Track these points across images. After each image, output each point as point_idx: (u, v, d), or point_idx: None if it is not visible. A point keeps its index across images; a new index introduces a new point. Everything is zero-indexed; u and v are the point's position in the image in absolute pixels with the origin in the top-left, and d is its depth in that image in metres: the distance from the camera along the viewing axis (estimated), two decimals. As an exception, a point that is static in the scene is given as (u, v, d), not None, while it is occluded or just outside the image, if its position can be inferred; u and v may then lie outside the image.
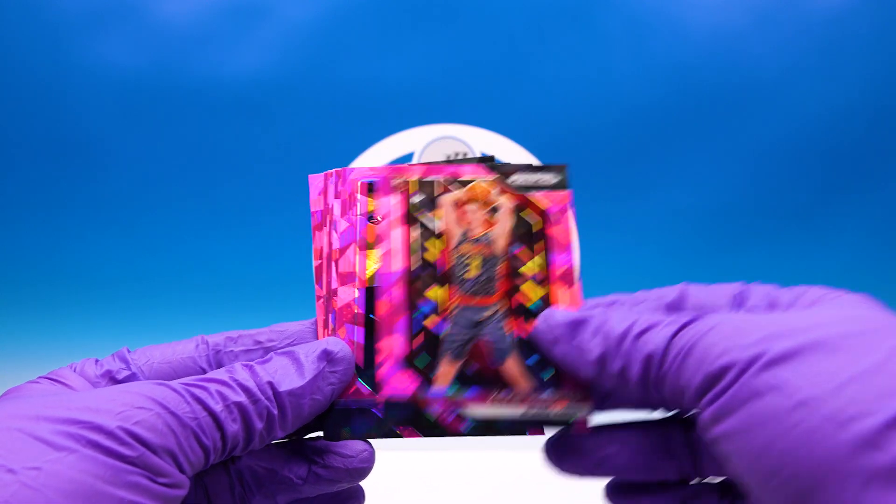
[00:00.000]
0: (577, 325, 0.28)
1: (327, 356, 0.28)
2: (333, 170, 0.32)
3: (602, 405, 0.31)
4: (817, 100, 0.89)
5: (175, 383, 0.25)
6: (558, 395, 0.30)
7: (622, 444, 0.30)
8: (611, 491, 0.32)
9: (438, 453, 0.71)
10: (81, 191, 0.90)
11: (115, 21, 0.88)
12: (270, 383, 0.26)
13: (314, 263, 0.32)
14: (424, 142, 0.88)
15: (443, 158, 0.88)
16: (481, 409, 0.30)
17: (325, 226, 0.32)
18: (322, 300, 0.31)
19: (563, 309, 0.30)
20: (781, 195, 0.90)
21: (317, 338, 0.31)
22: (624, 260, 0.90)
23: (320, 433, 0.30)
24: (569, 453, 0.30)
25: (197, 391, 0.25)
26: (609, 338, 0.27)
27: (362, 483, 0.30)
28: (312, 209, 0.32)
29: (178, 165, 0.90)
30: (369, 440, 0.29)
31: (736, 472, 0.23)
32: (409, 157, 0.88)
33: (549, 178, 0.32)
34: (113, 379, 0.28)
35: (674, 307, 0.30)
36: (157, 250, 0.91)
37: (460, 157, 0.88)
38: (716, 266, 0.89)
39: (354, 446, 0.29)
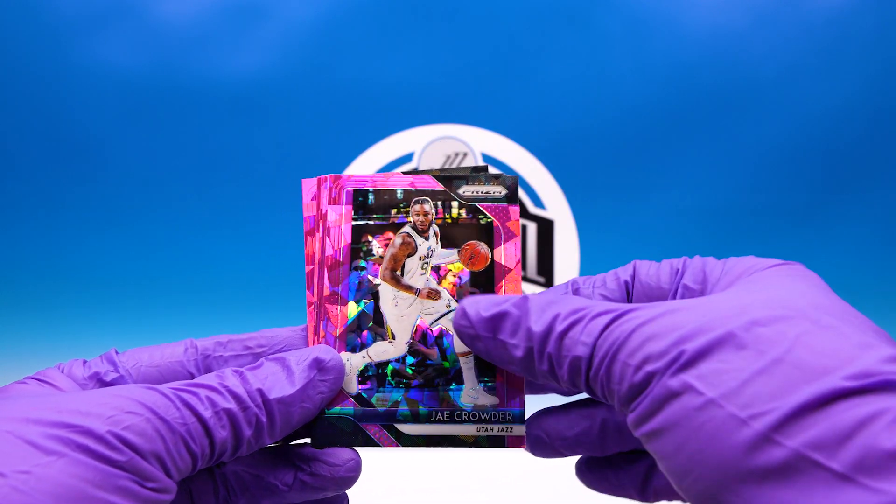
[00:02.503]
0: (496, 320, 0.27)
1: (318, 364, 0.28)
2: (328, 175, 0.32)
3: (539, 390, 0.32)
4: (817, 100, 0.89)
5: (165, 388, 0.25)
6: (495, 412, 0.30)
7: (590, 421, 0.30)
8: (580, 470, 0.32)
9: (438, 452, 0.71)
10: (81, 191, 0.90)
11: (115, 21, 0.88)
12: (260, 390, 0.26)
13: (306, 269, 0.32)
14: (424, 142, 0.88)
15: (443, 158, 0.88)
16: (415, 429, 0.30)
17: (318, 231, 0.32)
18: (313, 306, 0.31)
19: (484, 296, 0.29)
20: (781, 195, 0.90)
21: (307, 344, 0.31)
22: (624, 260, 0.89)
23: (307, 440, 0.30)
24: (542, 440, 0.31)
25: (187, 396, 0.25)
26: (532, 336, 0.26)
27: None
28: (305, 214, 0.32)
29: (178, 165, 0.90)
30: (356, 448, 0.29)
31: (662, 470, 0.23)
32: (409, 157, 0.88)
33: (499, 190, 0.32)
34: (100, 381, 0.28)
35: (628, 286, 0.30)
36: (156, 250, 0.91)
37: (460, 157, 0.88)
38: (716, 266, 0.89)
39: (341, 455, 0.29)
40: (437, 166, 0.88)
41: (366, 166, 0.88)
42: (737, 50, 0.89)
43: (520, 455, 0.33)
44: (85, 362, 0.28)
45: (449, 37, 0.89)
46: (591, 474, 0.32)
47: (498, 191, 0.32)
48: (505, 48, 0.90)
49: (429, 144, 0.88)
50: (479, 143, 0.88)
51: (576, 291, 0.31)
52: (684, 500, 0.23)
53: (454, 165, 0.88)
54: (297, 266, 0.34)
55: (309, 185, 0.32)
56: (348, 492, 0.31)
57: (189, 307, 0.90)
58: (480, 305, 0.28)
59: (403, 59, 0.89)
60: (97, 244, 0.90)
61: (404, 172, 0.32)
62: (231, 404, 0.25)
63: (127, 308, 0.90)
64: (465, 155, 0.88)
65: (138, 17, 0.88)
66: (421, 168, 0.87)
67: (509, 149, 0.88)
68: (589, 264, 0.88)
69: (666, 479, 0.30)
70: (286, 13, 0.89)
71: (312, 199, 0.32)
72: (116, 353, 0.29)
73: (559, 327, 0.26)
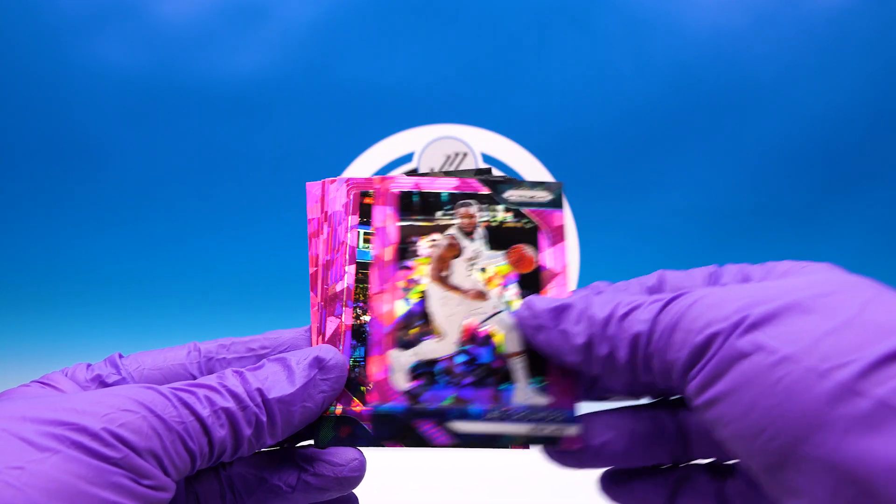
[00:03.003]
0: (560, 311, 0.28)
1: (319, 363, 0.28)
2: (336, 178, 0.32)
3: (589, 395, 0.31)
4: (817, 100, 0.89)
5: (163, 388, 0.25)
6: (548, 412, 0.30)
7: (618, 430, 0.30)
8: (605, 483, 0.32)
9: (438, 452, 0.71)
10: (81, 191, 0.90)
11: (115, 21, 0.88)
12: (260, 390, 0.26)
13: (310, 271, 0.32)
14: (424, 142, 0.88)
15: (443, 158, 0.88)
16: (469, 427, 0.30)
17: (322, 233, 0.32)
18: (317, 308, 0.31)
19: (546, 295, 0.30)
20: (781, 195, 0.90)
21: (311, 345, 0.30)
22: (624, 260, 0.89)
23: (311, 441, 0.30)
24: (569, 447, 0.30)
25: (184, 395, 0.25)
26: (594, 322, 0.27)
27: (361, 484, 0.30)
28: (309, 216, 0.32)
29: (178, 165, 0.90)
30: (360, 449, 0.29)
31: (724, 439, 0.23)
32: (409, 157, 0.88)
33: (544, 195, 0.32)
34: (103, 383, 0.28)
35: (654, 291, 0.30)
36: (156, 250, 0.91)
37: (460, 157, 0.88)
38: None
39: (345, 455, 0.29)
40: (438, 166, 0.88)
41: (366, 166, 0.88)
42: (737, 50, 0.89)
43: (524, 456, 0.33)
44: (89, 366, 0.28)
45: (449, 37, 0.89)
46: (615, 487, 0.31)
47: (542, 196, 0.32)
48: (505, 48, 0.90)
49: (429, 144, 0.88)
50: (479, 143, 0.88)
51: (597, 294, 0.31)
52: (750, 471, 0.23)
53: (454, 166, 0.88)
54: (299, 266, 0.34)
55: (313, 188, 0.32)
56: (357, 492, 0.31)
57: (189, 308, 0.90)
58: (544, 300, 0.29)
59: (403, 59, 0.89)
60: (97, 244, 0.90)
61: (446, 173, 0.33)
62: (230, 403, 0.25)
63: (127, 308, 0.90)
64: (465, 155, 0.88)
65: (138, 17, 0.88)
66: (421, 169, 0.87)
67: (509, 149, 0.88)
68: (589, 264, 0.88)
69: (695, 495, 0.30)
70: (286, 13, 0.89)
71: (316, 202, 0.32)
72: (120, 356, 0.29)
73: (620, 311, 0.26)
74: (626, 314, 0.26)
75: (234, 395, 0.26)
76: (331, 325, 0.31)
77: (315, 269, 0.32)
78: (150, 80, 0.88)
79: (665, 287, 0.30)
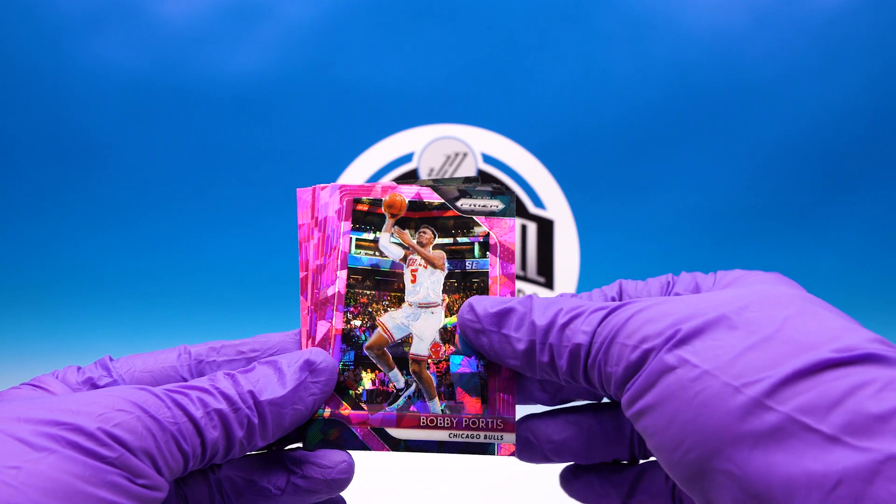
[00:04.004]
0: (502, 316, 0.28)
1: (310, 366, 0.28)
2: (328, 185, 0.33)
3: (550, 400, 0.32)
4: (817, 100, 0.89)
5: (157, 389, 0.25)
6: (485, 419, 0.30)
7: (577, 428, 0.31)
8: (565, 479, 0.32)
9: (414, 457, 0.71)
10: (81, 191, 0.90)
11: (115, 21, 0.88)
12: (251, 392, 0.27)
13: (300, 275, 0.32)
14: (424, 142, 0.88)
15: (443, 159, 0.88)
16: (405, 433, 0.30)
17: (312, 238, 0.32)
18: (307, 312, 0.31)
19: (489, 296, 0.30)
20: (781, 195, 0.90)
21: (300, 349, 0.31)
22: (624, 260, 0.90)
23: (300, 444, 0.30)
24: (530, 443, 0.31)
25: (178, 397, 0.25)
26: (535, 329, 0.27)
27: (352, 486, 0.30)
28: (300, 222, 0.33)
29: (178, 165, 0.90)
30: (349, 451, 0.29)
31: (651, 449, 0.24)
32: (409, 157, 0.88)
33: (496, 204, 0.32)
34: (94, 386, 0.28)
35: (613, 301, 0.31)
36: (155, 250, 0.91)
37: (460, 157, 0.88)
38: (715, 266, 0.89)
39: (333, 457, 0.29)
40: (438, 166, 0.88)
41: (366, 166, 0.88)
42: (737, 50, 0.89)
43: (511, 461, 0.33)
44: (79, 369, 0.29)
45: (449, 37, 0.89)
46: (576, 482, 0.32)
47: (495, 204, 0.32)
48: (505, 48, 0.90)
49: (429, 144, 0.88)
50: (479, 143, 0.88)
51: None
52: (673, 479, 0.24)
53: (454, 166, 0.88)
54: (297, 269, 0.34)
55: (304, 194, 0.33)
56: (344, 495, 0.31)
57: (188, 308, 0.90)
58: (487, 302, 0.29)
59: (403, 59, 0.89)
60: (97, 244, 0.90)
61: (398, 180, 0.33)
62: (222, 405, 0.26)
63: (126, 308, 0.90)
64: (465, 155, 0.88)
65: (138, 16, 0.88)
66: (421, 169, 0.87)
67: (509, 149, 0.88)
68: (589, 264, 0.88)
69: (652, 491, 0.31)
70: (286, 13, 0.89)
71: (307, 208, 0.33)
72: (111, 359, 0.29)
73: (561, 320, 0.27)
74: (567, 323, 0.27)
75: (227, 397, 0.26)
76: (321, 328, 0.31)
77: (305, 273, 0.32)
78: (149, 80, 0.89)
79: (624, 296, 0.31)
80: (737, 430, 0.21)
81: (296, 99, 0.90)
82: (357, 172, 0.88)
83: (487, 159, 0.88)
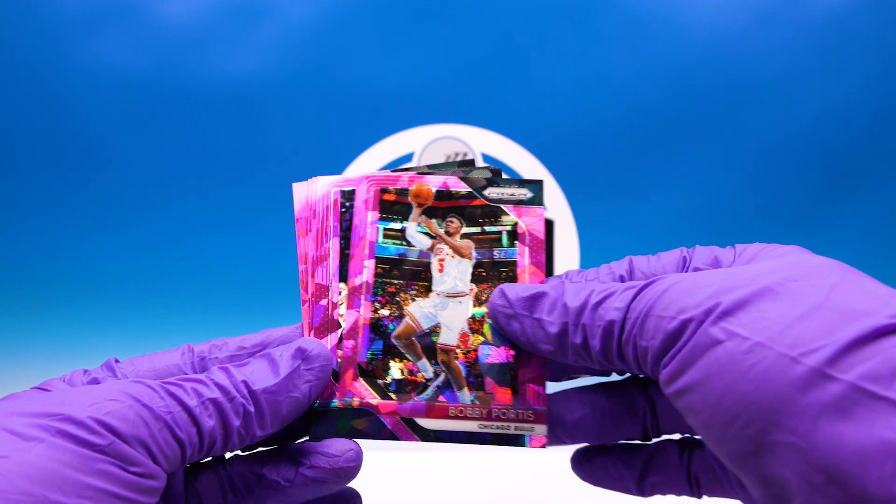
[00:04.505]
0: (534, 300, 0.28)
1: (302, 354, 0.28)
2: (320, 176, 0.33)
3: (559, 376, 0.32)
4: (817, 100, 0.89)
5: (152, 381, 0.25)
6: (515, 410, 0.30)
7: (590, 408, 0.30)
8: (578, 460, 0.32)
9: (434, 452, 0.71)
10: (81, 191, 0.90)
11: (115, 21, 0.88)
12: (245, 382, 0.27)
13: (300, 268, 0.32)
14: (424, 142, 0.88)
15: (443, 158, 0.88)
16: (434, 423, 0.30)
17: (311, 231, 0.32)
18: (307, 304, 0.31)
19: (519, 283, 0.30)
20: (781, 195, 0.90)
21: None
22: (624, 260, 0.89)
23: (307, 437, 0.30)
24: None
25: (172, 388, 0.25)
26: (568, 311, 0.27)
27: (362, 486, 0.30)
28: (297, 216, 0.33)
29: (178, 165, 0.90)
30: (356, 440, 0.29)
31: (697, 426, 0.23)
32: (409, 156, 0.88)
33: (524, 192, 0.32)
34: None
35: (625, 278, 0.30)
36: (155, 250, 0.91)
37: (460, 157, 0.88)
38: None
39: (339, 446, 0.29)
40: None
41: (366, 166, 0.88)
42: (737, 50, 0.89)
43: (525, 454, 0.33)
44: (85, 371, 0.29)
45: (449, 37, 0.89)
46: (588, 464, 0.32)
47: (524, 193, 0.32)
48: (505, 48, 0.90)
49: (429, 144, 0.88)
50: (479, 143, 0.88)
51: None
52: (722, 458, 0.23)
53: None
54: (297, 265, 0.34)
55: (299, 188, 0.33)
56: (360, 491, 0.31)
57: (189, 307, 0.90)
58: (518, 288, 0.29)
59: (403, 59, 0.89)
60: (97, 244, 0.90)
61: (429, 168, 0.33)
62: (216, 394, 0.26)
63: (127, 308, 0.90)
64: (464, 155, 0.88)
65: (139, 16, 0.88)
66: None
67: (509, 149, 0.88)
68: (589, 264, 0.88)
69: (665, 470, 0.30)
70: (286, 13, 0.89)
71: (304, 202, 0.33)
72: (116, 361, 0.30)
73: (594, 300, 0.27)
74: (600, 302, 0.26)
75: (221, 387, 0.26)
76: (350, 318, 0.31)
77: (304, 266, 0.32)
78: (150, 80, 0.88)
79: (635, 273, 0.30)
80: (799, 401, 0.20)
81: (296, 99, 0.90)
82: (357, 173, 0.88)
83: (487, 159, 0.88)
